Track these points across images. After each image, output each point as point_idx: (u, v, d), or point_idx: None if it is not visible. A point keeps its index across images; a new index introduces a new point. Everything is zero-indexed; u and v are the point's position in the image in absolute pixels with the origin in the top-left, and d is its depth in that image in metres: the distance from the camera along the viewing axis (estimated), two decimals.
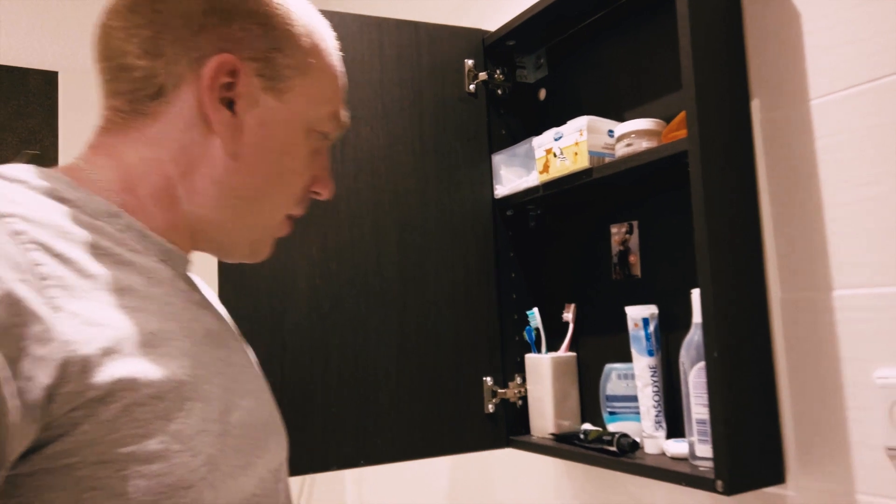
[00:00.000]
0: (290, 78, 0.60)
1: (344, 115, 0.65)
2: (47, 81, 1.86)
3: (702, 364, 0.98)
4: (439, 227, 1.29)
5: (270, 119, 0.59)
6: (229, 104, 0.57)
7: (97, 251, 0.49)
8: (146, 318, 0.49)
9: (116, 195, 0.55)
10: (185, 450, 0.47)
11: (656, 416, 1.12)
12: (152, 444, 0.45)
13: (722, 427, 0.90)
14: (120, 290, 0.49)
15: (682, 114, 1.03)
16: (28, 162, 0.55)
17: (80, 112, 1.90)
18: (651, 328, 1.13)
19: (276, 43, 0.59)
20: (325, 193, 0.66)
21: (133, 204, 0.56)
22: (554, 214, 1.38)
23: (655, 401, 1.12)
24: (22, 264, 0.43)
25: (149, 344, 0.48)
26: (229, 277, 1.13)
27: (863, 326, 0.90)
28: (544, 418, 1.28)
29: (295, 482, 2.28)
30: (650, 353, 1.13)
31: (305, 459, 1.15)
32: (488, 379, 1.31)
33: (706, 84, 0.96)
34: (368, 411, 1.20)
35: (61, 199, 0.51)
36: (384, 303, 1.23)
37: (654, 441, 1.11)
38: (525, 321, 1.35)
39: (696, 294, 1.00)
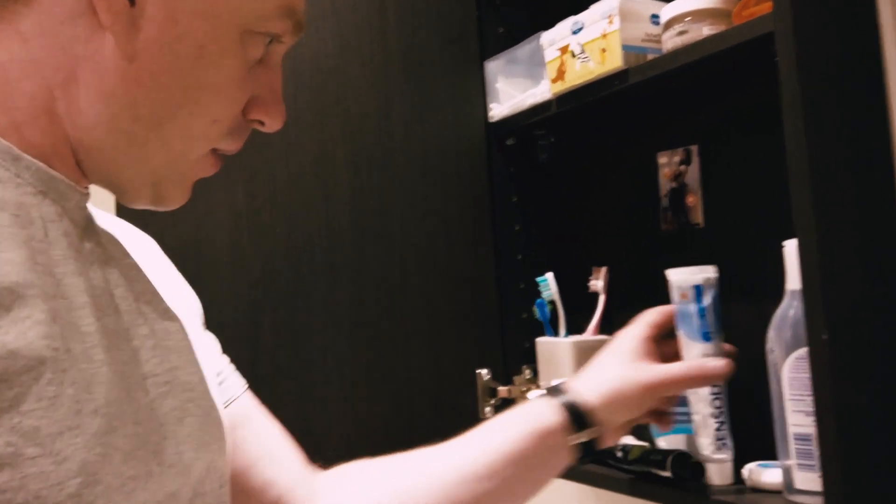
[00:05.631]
0: None
1: (301, 9, 0.54)
2: None
3: (802, 352, 0.73)
4: (409, 163, 1.12)
5: (184, 10, 0.49)
6: None
7: None
8: None
9: None
10: (44, 454, 0.40)
11: (718, 429, 0.82)
12: None
13: (832, 444, 0.69)
14: None
15: None
16: None
17: None
18: (707, 300, 0.81)
19: None
20: (270, 123, 0.55)
21: None
22: (574, 142, 1.19)
23: (716, 408, 0.83)
24: None
25: None
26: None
27: None
28: None
29: None
30: (706, 338, 0.82)
31: None
32: (484, 372, 1.14)
33: None
34: (314, 415, 1.05)
35: None
36: (333, 267, 1.07)
37: (720, 467, 0.83)
38: (536, 292, 1.14)
39: (790, 246, 0.76)
